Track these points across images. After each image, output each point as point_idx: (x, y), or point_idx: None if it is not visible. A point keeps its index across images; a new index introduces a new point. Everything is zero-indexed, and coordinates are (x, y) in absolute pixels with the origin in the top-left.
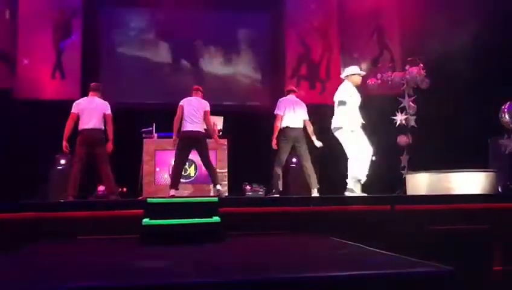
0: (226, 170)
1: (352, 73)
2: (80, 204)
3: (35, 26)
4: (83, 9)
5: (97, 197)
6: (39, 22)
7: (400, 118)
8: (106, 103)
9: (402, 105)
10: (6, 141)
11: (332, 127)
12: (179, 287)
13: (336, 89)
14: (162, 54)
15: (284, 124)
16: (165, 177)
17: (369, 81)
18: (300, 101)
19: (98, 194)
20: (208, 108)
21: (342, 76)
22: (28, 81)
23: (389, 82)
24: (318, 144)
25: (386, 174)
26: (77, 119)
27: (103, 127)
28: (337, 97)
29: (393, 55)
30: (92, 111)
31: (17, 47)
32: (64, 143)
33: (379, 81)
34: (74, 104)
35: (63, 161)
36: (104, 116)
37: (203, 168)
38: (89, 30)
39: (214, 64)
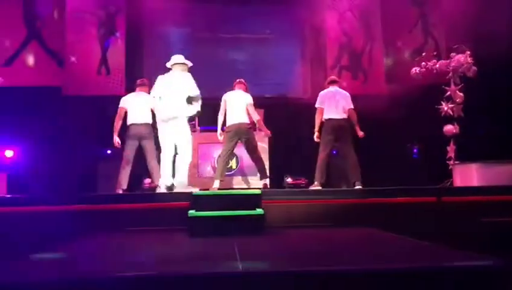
0: (268, 163)
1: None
2: (129, 197)
3: (81, 23)
4: (127, 6)
5: (143, 189)
6: (85, 19)
7: (445, 108)
8: (152, 98)
9: (448, 94)
10: (56, 136)
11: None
12: (227, 277)
13: (379, 78)
14: (204, 48)
15: (325, 116)
16: (208, 170)
17: (413, 70)
18: (342, 91)
19: (145, 187)
20: (251, 101)
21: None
22: (76, 78)
23: (434, 71)
24: (360, 133)
25: (431, 166)
26: (125, 114)
27: (151, 121)
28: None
29: (438, 43)
30: (139, 106)
31: (65, 45)
32: (115, 138)
33: (423, 70)
34: (122, 99)
35: (111, 155)
36: (152, 110)
37: (244, 161)
38: (132, 26)
39: (254, 58)
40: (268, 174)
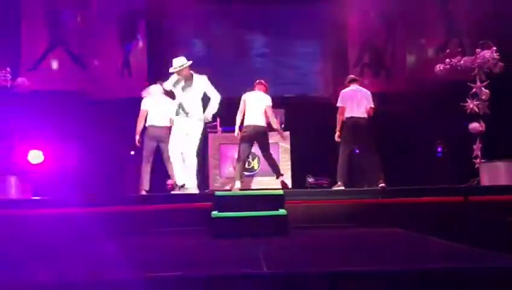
0: (289, 163)
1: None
2: (152, 198)
3: (104, 27)
4: (148, 9)
5: (168, 190)
6: (107, 23)
7: (471, 105)
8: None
9: (473, 91)
10: (81, 139)
11: None
12: (251, 278)
13: (402, 76)
14: (225, 48)
15: (347, 114)
16: (229, 170)
17: (437, 67)
18: (363, 89)
19: (168, 188)
20: (270, 103)
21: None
22: (99, 81)
23: (459, 67)
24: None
25: (457, 164)
26: (146, 115)
27: (169, 124)
28: None
29: (463, 39)
30: (160, 108)
31: (88, 49)
32: (137, 138)
33: (448, 67)
34: (143, 101)
35: (134, 156)
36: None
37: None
38: (154, 29)
39: (275, 57)
40: (281, 171)
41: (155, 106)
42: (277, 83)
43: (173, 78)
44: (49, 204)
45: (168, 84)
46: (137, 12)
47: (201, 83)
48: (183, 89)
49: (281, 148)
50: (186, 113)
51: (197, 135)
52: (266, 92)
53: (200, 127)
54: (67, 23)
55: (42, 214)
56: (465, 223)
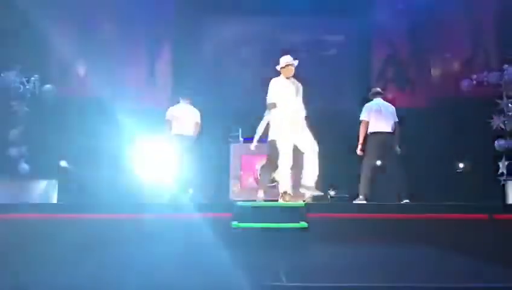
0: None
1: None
2: (170, 206)
3: (131, 36)
4: (175, 19)
5: None
6: (135, 32)
7: (497, 122)
8: (197, 110)
9: (500, 107)
10: (105, 146)
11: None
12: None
13: (426, 91)
14: (247, 60)
15: (371, 129)
16: (250, 180)
17: (463, 83)
18: (388, 103)
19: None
20: None
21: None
22: (125, 90)
23: (485, 83)
24: (398, 150)
25: (482, 181)
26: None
27: (195, 135)
28: None
29: (489, 54)
30: (184, 118)
31: (117, 57)
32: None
33: (474, 82)
34: (168, 110)
35: None
36: (195, 124)
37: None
38: (180, 39)
39: (299, 70)
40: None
41: (181, 116)
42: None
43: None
44: (71, 209)
45: None
46: (166, 22)
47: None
48: None
49: None
50: None
51: None
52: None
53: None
54: (95, 30)
55: (64, 219)
56: (490, 241)
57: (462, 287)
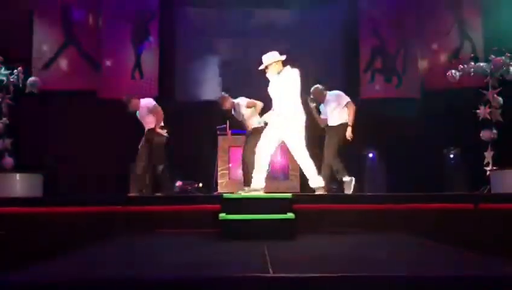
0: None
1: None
2: (159, 199)
3: (116, 28)
4: (160, 11)
5: (177, 192)
6: (120, 24)
7: (483, 112)
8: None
9: (486, 98)
10: (91, 138)
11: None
12: (256, 281)
13: (414, 81)
14: (234, 52)
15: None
16: (238, 172)
17: (449, 73)
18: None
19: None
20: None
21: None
22: (110, 82)
23: (471, 74)
24: None
25: (468, 171)
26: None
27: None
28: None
29: (476, 46)
30: None
31: (101, 50)
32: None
33: (460, 73)
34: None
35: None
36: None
37: (274, 163)
38: (166, 31)
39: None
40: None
41: None
42: None
43: None
44: (57, 203)
45: None
46: (151, 14)
47: None
48: None
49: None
50: None
51: None
52: None
53: None
54: (80, 24)
55: (49, 212)
56: (476, 230)
57: (447, 275)
